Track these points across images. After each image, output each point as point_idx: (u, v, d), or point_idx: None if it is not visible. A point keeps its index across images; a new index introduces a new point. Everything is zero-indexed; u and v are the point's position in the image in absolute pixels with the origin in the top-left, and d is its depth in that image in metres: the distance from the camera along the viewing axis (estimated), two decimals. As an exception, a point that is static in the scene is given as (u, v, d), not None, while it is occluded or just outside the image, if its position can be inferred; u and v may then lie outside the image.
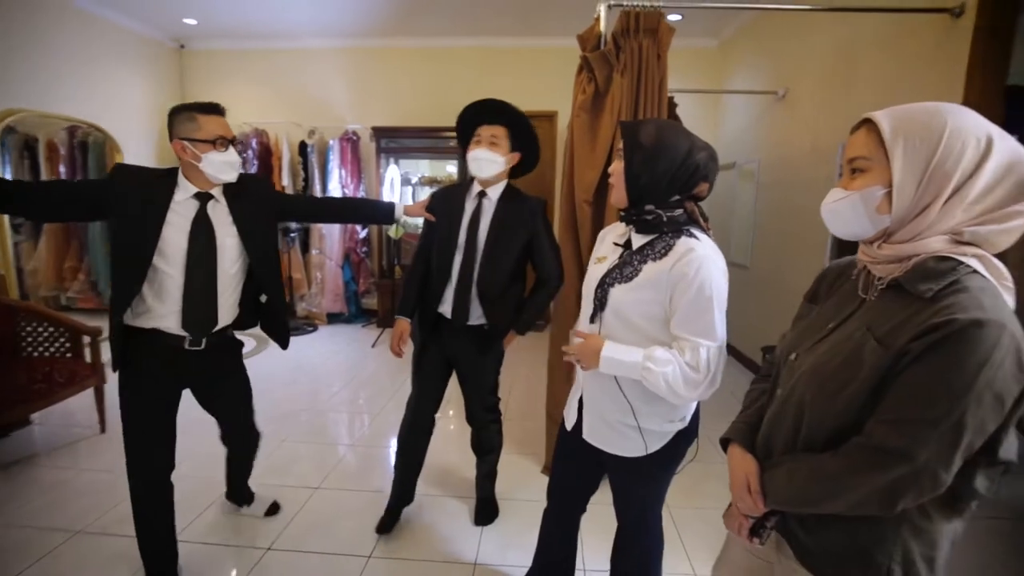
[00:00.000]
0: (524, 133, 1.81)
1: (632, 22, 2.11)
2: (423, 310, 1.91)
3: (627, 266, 1.16)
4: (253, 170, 5.01)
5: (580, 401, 1.31)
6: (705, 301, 1.07)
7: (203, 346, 1.61)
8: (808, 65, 3.38)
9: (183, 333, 1.56)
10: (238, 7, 4.42)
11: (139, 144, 4.89)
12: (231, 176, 1.55)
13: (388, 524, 2.02)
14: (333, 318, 5.35)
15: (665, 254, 1.12)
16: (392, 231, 5.11)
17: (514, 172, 1.88)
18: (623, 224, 1.25)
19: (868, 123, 0.77)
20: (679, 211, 1.14)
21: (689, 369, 1.07)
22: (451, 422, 3.01)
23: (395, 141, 5.19)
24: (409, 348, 1.95)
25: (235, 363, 1.80)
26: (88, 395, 2.72)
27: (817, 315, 0.93)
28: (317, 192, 5.09)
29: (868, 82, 2.77)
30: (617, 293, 1.16)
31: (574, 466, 1.42)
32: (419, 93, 5.19)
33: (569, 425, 1.36)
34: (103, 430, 2.76)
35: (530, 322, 1.91)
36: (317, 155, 5.11)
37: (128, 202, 1.47)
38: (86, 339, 2.72)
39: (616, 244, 1.24)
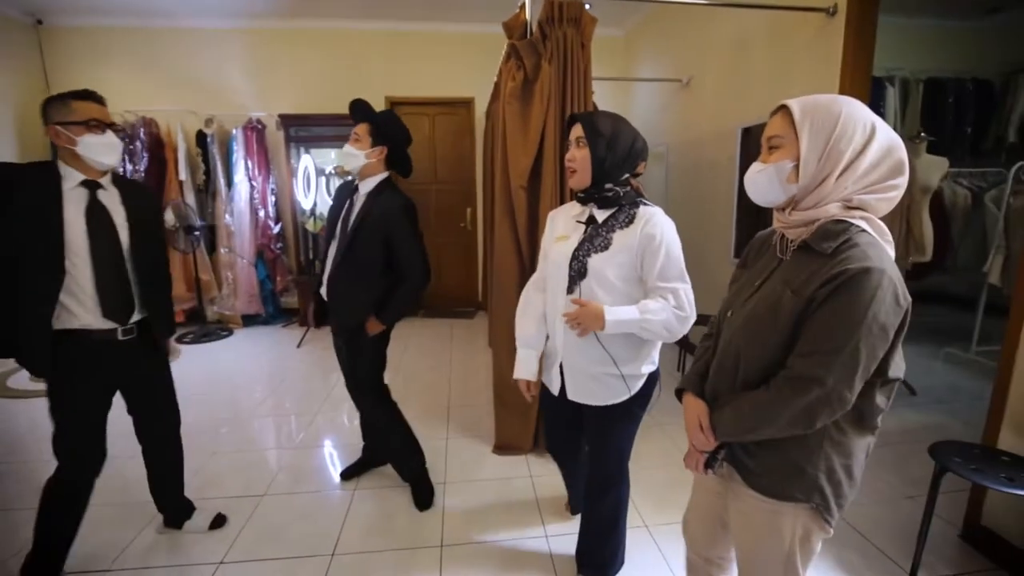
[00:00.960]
0: (384, 128, 1.98)
1: (556, 11, 2.18)
2: (317, 291, 2.07)
3: (597, 238, 1.36)
4: (143, 163, 4.53)
5: (560, 368, 1.46)
6: (674, 254, 1.31)
7: (136, 334, 1.62)
8: (709, 55, 3.68)
9: (110, 324, 1.55)
10: (111, -21, 3.93)
11: (-5, 136, 4.22)
12: (112, 159, 1.54)
13: (351, 472, 2.32)
14: (249, 320, 5.01)
15: (630, 222, 1.34)
16: (310, 224, 4.88)
17: (400, 171, 2.08)
18: (577, 204, 1.45)
19: (783, 108, 0.93)
20: (628, 187, 1.37)
21: (678, 310, 1.28)
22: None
23: (305, 129, 4.92)
24: None
25: (162, 356, 1.80)
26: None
27: (745, 277, 1.09)
28: (221, 186, 4.71)
29: (761, 72, 3.08)
30: (595, 262, 1.34)
31: (564, 424, 1.65)
32: (329, 79, 4.94)
33: (555, 390, 1.50)
34: (-7, 464, 2.42)
35: (394, 313, 1.98)
36: (219, 146, 4.71)
37: (14, 199, 1.42)
38: None
39: (579, 222, 1.41)
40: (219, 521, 2.00)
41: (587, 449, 1.61)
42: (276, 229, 4.93)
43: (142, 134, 4.51)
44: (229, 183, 4.75)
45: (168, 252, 1.84)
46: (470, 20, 4.86)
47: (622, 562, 1.73)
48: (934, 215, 3.16)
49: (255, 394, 3.42)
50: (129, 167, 4.51)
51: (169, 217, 4.41)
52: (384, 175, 1.99)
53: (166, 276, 1.80)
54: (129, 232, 1.58)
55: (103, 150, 1.50)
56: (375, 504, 2.16)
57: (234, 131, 4.70)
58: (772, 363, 0.94)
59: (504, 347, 2.47)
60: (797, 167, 0.90)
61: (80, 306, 1.50)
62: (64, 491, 1.62)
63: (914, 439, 2.56)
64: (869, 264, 0.83)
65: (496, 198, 2.49)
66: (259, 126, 4.78)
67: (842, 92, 2.40)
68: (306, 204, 4.90)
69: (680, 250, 1.34)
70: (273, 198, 4.90)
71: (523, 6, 2.27)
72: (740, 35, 3.27)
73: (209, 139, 4.67)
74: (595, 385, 1.41)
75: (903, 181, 0.90)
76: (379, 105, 5.00)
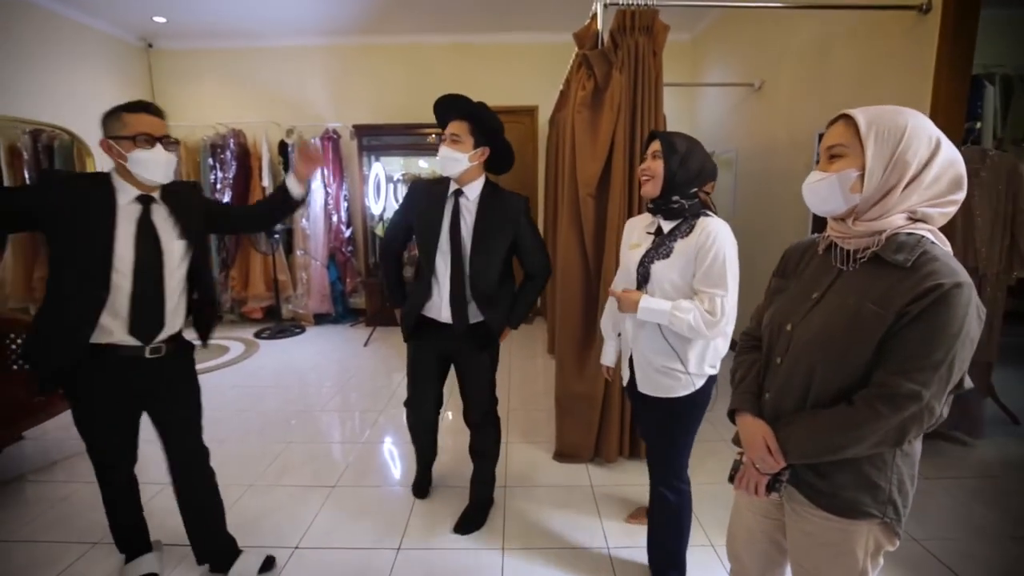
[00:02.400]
0: (489, 127, 1.78)
1: (628, 20, 2.18)
2: (408, 311, 1.91)
3: (661, 247, 1.48)
4: (232, 172, 4.91)
5: (631, 361, 1.59)
6: (719, 261, 1.38)
7: (163, 353, 1.56)
8: (784, 58, 3.54)
9: (135, 342, 1.50)
10: (210, 5, 4.30)
11: (109, 147, 4.71)
12: (160, 176, 1.47)
13: (423, 487, 2.25)
14: (320, 319, 5.30)
15: (690, 232, 1.45)
16: (379, 229, 5.10)
17: (495, 168, 1.87)
18: (648, 215, 1.57)
19: (845, 118, 0.93)
20: (695, 200, 1.47)
21: (707, 314, 1.36)
22: (459, 417, 3.06)
23: (377, 139, 5.15)
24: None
25: (190, 371, 1.71)
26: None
27: (797, 288, 1.06)
28: (299, 192, 5.01)
29: (841, 75, 2.93)
30: (657, 268, 1.47)
31: (641, 411, 1.71)
32: (400, 90, 5.17)
33: (625, 382, 1.65)
34: (102, 442, 2.69)
35: (522, 315, 1.94)
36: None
37: (70, 209, 1.40)
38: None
39: (648, 232, 1.55)
40: (268, 564, 1.81)
41: (647, 445, 1.71)
42: (347, 233, 5.19)
43: (231, 144, 4.90)
44: (307, 189, 5.04)
45: (210, 262, 1.85)
46: (533, 29, 4.94)
47: (683, 569, 1.72)
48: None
49: (324, 389, 3.61)
50: (219, 174, 4.92)
51: (253, 221, 4.75)
52: (483, 176, 1.84)
53: (210, 287, 1.77)
54: (176, 249, 1.55)
55: (151, 166, 1.45)
56: (438, 504, 2.22)
57: (312, 141, 5.00)
58: (851, 379, 0.91)
59: (568, 355, 2.48)
60: (861, 177, 0.89)
61: (114, 322, 1.47)
62: (113, 497, 1.70)
63: (1019, 472, 2.33)
64: (960, 279, 0.83)
65: (563, 207, 2.51)
66: (335, 136, 5.06)
67: (937, 94, 2.25)
68: (376, 209, 5.12)
69: (731, 261, 1.39)
70: (345, 204, 5.17)
71: (594, 16, 2.28)
72: (819, 37, 3.12)
73: (290, 148, 5.00)
74: (660, 377, 1.50)
75: (962, 196, 0.90)
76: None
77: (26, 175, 4.64)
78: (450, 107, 1.78)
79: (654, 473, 1.66)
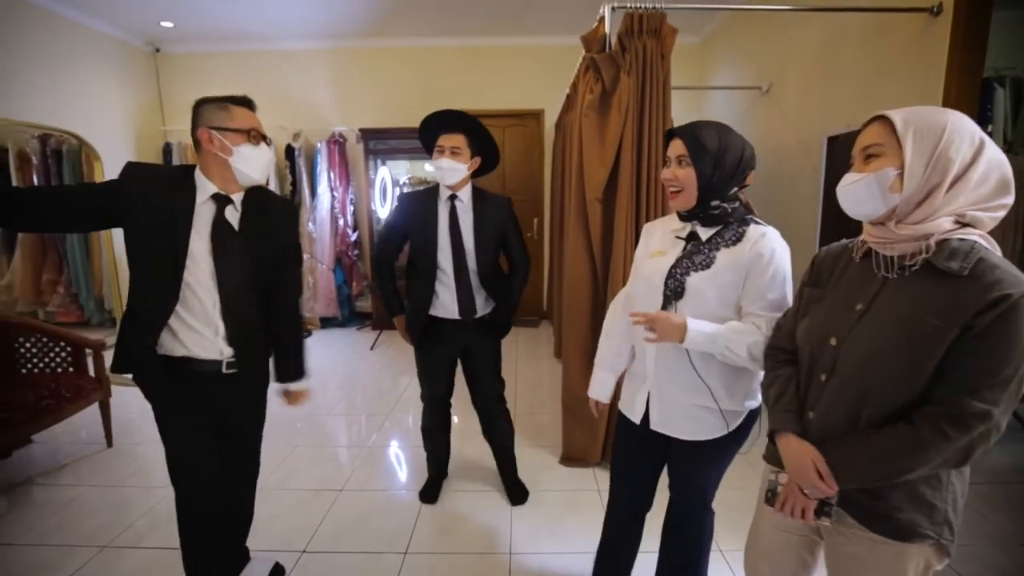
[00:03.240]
0: (482, 139, 1.94)
1: (636, 23, 2.17)
2: (413, 316, 2.02)
3: (698, 255, 1.22)
4: (238, 175, 4.92)
5: (648, 395, 1.32)
6: (780, 280, 1.17)
7: (238, 368, 1.45)
8: (792, 61, 3.52)
9: (218, 356, 1.40)
10: (216, 10, 4.33)
11: (117, 150, 4.74)
12: (261, 177, 1.40)
13: (432, 494, 2.24)
14: (327, 322, 5.31)
15: (738, 240, 1.20)
16: (384, 233, 5.09)
17: (479, 173, 2.03)
18: (674, 219, 1.32)
19: (880, 119, 0.89)
20: (737, 203, 1.23)
21: (768, 341, 1.12)
22: (464, 420, 3.05)
23: (383, 142, 5.16)
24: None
25: (262, 397, 1.63)
26: (92, 410, 2.67)
27: (835, 298, 0.98)
28: (306, 196, 5.03)
29: (849, 78, 2.91)
30: (694, 281, 1.20)
31: (638, 455, 1.45)
32: (405, 93, 5.18)
33: (636, 419, 1.36)
34: (110, 444, 2.70)
35: (517, 303, 2.15)
36: (304, 158, 5.05)
37: (149, 205, 1.30)
38: (88, 352, 2.67)
39: (679, 237, 1.28)
40: (277, 572, 1.80)
41: (669, 483, 1.45)
42: (354, 237, 5.20)
43: (238, 148, 4.92)
44: (313, 193, 5.07)
45: (300, 272, 1.67)
46: (540, 33, 4.94)
47: None
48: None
49: (330, 393, 3.61)
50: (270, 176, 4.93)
51: (259, 225, 4.77)
52: (471, 182, 2.01)
53: (294, 308, 1.64)
54: (251, 253, 1.42)
55: (257, 166, 1.37)
56: (445, 508, 2.21)
57: (319, 144, 5.02)
58: (910, 397, 0.86)
59: (575, 360, 2.47)
60: (901, 176, 0.85)
61: (193, 330, 1.37)
62: (191, 522, 1.52)
63: (1032, 479, 2.30)
64: None
65: (570, 211, 2.50)
66: (341, 139, 5.08)
67: (948, 96, 2.23)
68: (382, 213, 5.14)
69: (789, 279, 1.19)
70: (352, 207, 5.18)
71: (602, 19, 2.28)
72: (827, 39, 3.11)
73: (296, 152, 5.01)
74: (686, 417, 1.27)
75: (1010, 200, 0.85)
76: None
77: (35, 179, 4.68)
78: (448, 121, 1.89)
79: (672, 509, 1.45)
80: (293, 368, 1.64)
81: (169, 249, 1.32)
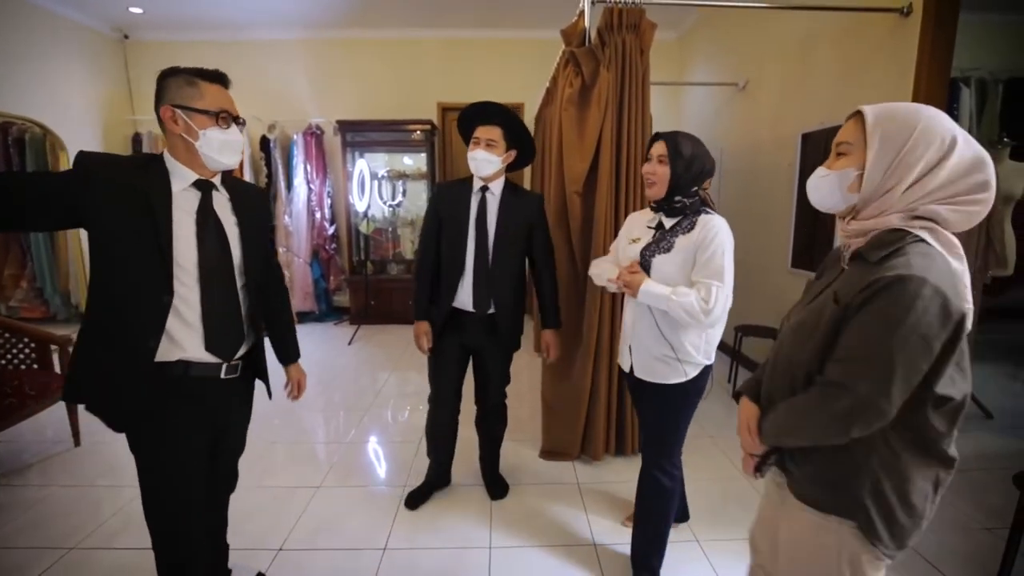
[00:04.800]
0: (519, 132, 1.93)
1: (615, 18, 2.18)
2: (438, 307, 1.99)
3: (663, 241, 1.54)
4: (212, 167, 4.80)
5: (629, 349, 1.65)
6: (719, 255, 1.44)
7: (238, 373, 1.32)
8: (767, 58, 3.57)
9: (212, 359, 1.25)
10: (189, -5, 4.21)
11: (84, 140, 4.57)
12: (233, 161, 1.25)
13: (417, 500, 2.17)
14: (304, 317, 5.23)
15: (692, 228, 1.51)
16: (363, 226, 5.04)
17: (513, 167, 2.00)
18: (649, 212, 1.64)
19: (859, 114, 0.90)
20: (696, 198, 1.54)
21: (702, 301, 1.42)
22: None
23: (361, 135, 5.09)
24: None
25: (249, 406, 1.53)
26: (59, 408, 2.58)
27: (815, 288, 1.06)
28: (282, 189, 4.94)
29: (824, 75, 2.97)
30: (658, 261, 1.53)
31: (636, 400, 1.77)
32: (384, 86, 5.11)
33: (626, 368, 1.69)
34: (77, 443, 2.62)
35: (558, 309, 2.10)
36: (280, 150, 4.95)
37: (118, 195, 1.14)
38: (54, 348, 2.58)
39: (649, 227, 1.61)
40: None
41: (642, 429, 1.75)
42: (331, 230, 5.13)
43: (212, 139, 4.79)
44: (289, 186, 4.97)
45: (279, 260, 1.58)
46: (521, 27, 4.92)
47: (663, 555, 1.74)
48: (1017, 226, 2.95)
49: (308, 389, 3.53)
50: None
51: (234, 218, 4.66)
52: (504, 176, 1.98)
53: (285, 291, 1.58)
54: (242, 245, 1.31)
55: (226, 150, 1.22)
56: (424, 504, 2.20)
57: (295, 136, 4.92)
58: (814, 371, 0.93)
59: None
60: (861, 176, 0.88)
61: (185, 332, 1.21)
62: (177, 561, 1.32)
63: (992, 465, 2.39)
64: (906, 272, 0.79)
65: (549, 204, 2.49)
66: (318, 131, 4.99)
67: (916, 95, 2.29)
68: (360, 207, 5.07)
69: (728, 256, 1.46)
70: (329, 200, 5.10)
71: (582, 13, 2.28)
72: (802, 37, 3.16)
73: (272, 144, 4.91)
74: (656, 364, 1.57)
75: (986, 197, 0.84)
76: (431, 111, 5.15)
77: (-5, 169, 4.50)
78: (486, 113, 1.88)
79: (648, 456, 1.69)
80: (293, 348, 1.63)
81: (153, 240, 1.15)
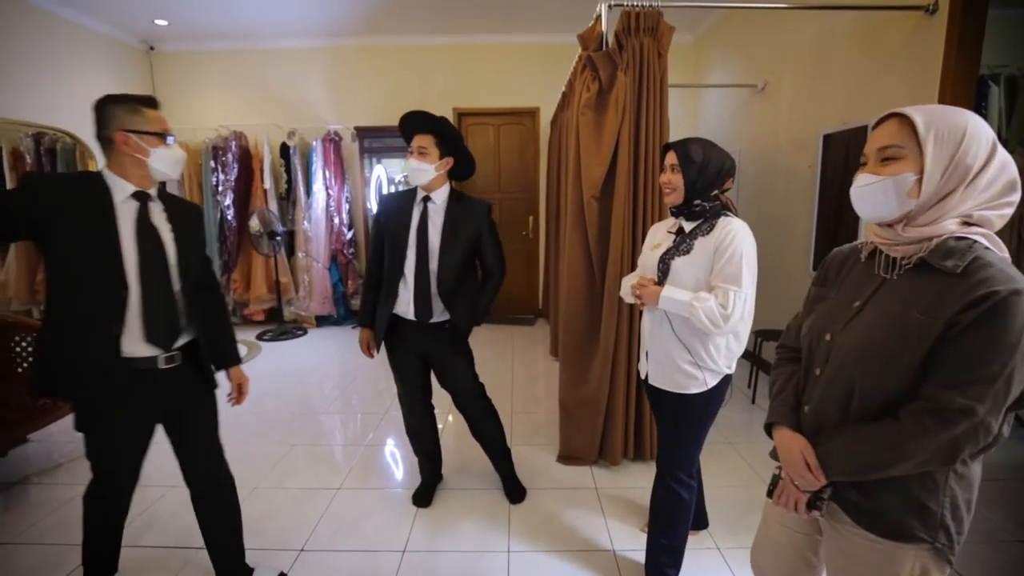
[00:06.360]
0: (450, 139, 1.93)
1: (633, 21, 2.18)
2: (380, 313, 2.02)
3: (683, 245, 1.54)
4: (233, 174, 4.91)
5: (647, 355, 1.64)
6: (736, 259, 1.42)
7: (178, 362, 1.47)
8: (787, 59, 3.53)
9: (153, 352, 1.41)
10: (211, 8, 4.31)
11: (111, 149, 4.71)
12: (176, 173, 1.45)
13: (425, 498, 2.22)
14: (322, 320, 5.29)
15: (710, 231, 1.50)
16: (380, 231, 5.08)
17: (458, 176, 2.03)
18: (671, 219, 1.64)
19: (898, 117, 0.87)
20: (716, 202, 1.53)
21: (720, 307, 1.40)
22: (459, 419, 3.05)
23: (378, 140, 5.15)
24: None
25: (209, 386, 1.62)
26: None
27: (837, 296, 1.01)
28: (301, 194, 5.02)
29: (845, 76, 2.93)
30: (678, 264, 1.52)
31: (656, 404, 1.74)
32: (401, 92, 5.16)
33: (643, 375, 1.69)
34: (106, 445, 2.69)
35: (485, 311, 2.08)
36: (300, 156, 5.03)
37: (66, 212, 1.29)
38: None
39: (670, 232, 1.62)
40: None
41: (659, 439, 1.71)
42: (349, 235, 5.19)
43: (233, 147, 4.89)
44: (308, 191, 5.05)
45: (214, 269, 1.70)
46: (535, 31, 4.94)
47: (679, 566, 1.72)
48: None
49: (326, 391, 3.60)
50: (221, 176, 4.92)
51: (254, 223, 4.76)
52: (448, 184, 2.00)
53: (220, 297, 1.69)
54: (177, 247, 1.46)
55: (172, 163, 1.42)
56: (442, 506, 2.22)
57: (314, 143, 5.00)
58: (897, 392, 0.86)
59: (571, 358, 2.48)
60: (919, 181, 0.84)
61: (127, 328, 1.37)
62: (102, 514, 1.57)
63: (1024, 475, 2.32)
64: (1018, 286, 0.77)
65: (566, 209, 2.50)
66: (336, 138, 5.06)
67: (943, 95, 2.25)
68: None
69: (747, 259, 1.43)
70: (347, 206, 5.17)
71: (599, 17, 2.28)
72: (822, 37, 3.12)
73: (292, 150, 4.99)
74: (675, 373, 1.55)
75: (1017, 197, 0.85)
76: (446, 117, 5.19)
77: (28, 177, 4.65)
78: (415, 123, 1.91)
79: (663, 466, 1.66)
80: (231, 350, 1.69)
81: (105, 246, 1.33)
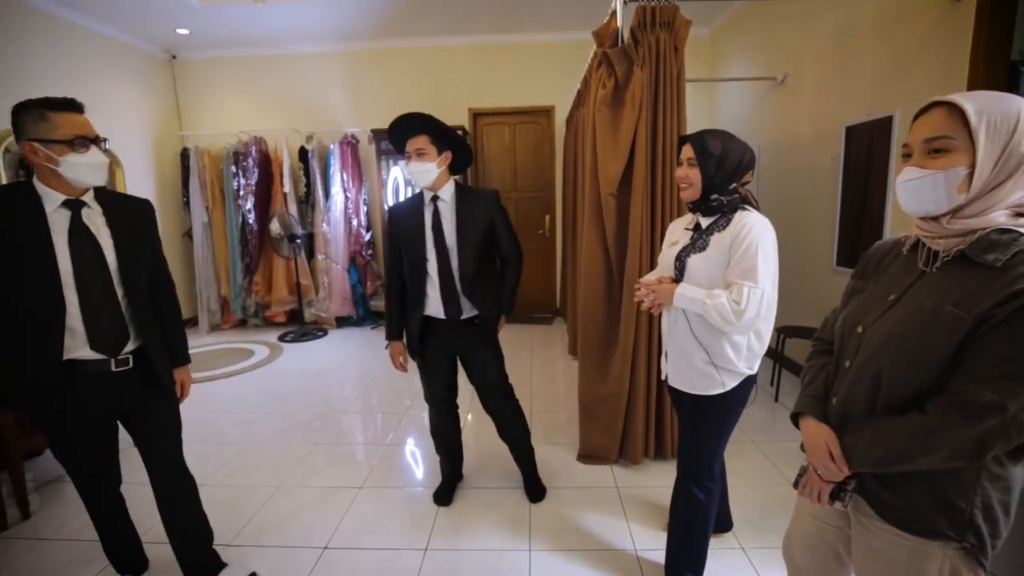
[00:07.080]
0: (444, 134, 1.92)
1: (649, 16, 2.16)
2: (409, 320, 2.04)
3: (699, 241, 1.49)
4: (254, 179, 5.00)
5: (666, 354, 1.61)
6: (751, 253, 1.36)
7: (131, 365, 1.47)
8: (807, 50, 3.46)
9: (99, 356, 1.41)
10: (230, 16, 4.38)
11: (138, 157, 4.84)
12: (98, 180, 1.38)
13: (445, 496, 2.24)
14: (342, 321, 5.36)
15: (727, 226, 1.45)
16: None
17: (458, 168, 2.02)
18: (689, 215, 1.59)
19: (946, 105, 0.82)
20: (735, 196, 1.48)
21: (734, 303, 1.34)
22: (479, 418, 3.06)
23: (395, 142, 5.18)
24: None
25: (167, 389, 1.61)
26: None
27: (874, 289, 0.98)
28: (320, 197, 5.09)
29: (868, 66, 2.86)
30: (693, 261, 1.47)
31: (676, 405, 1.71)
32: (416, 94, 5.20)
33: (664, 376, 1.65)
34: (136, 444, 2.76)
35: (511, 302, 2.10)
36: (318, 160, 5.10)
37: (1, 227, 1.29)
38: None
39: (687, 229, 1.57)
40: None
41: (679, 440, 1.67)
42: (367, 237, 5.24)
43: (254, 152, 4.98)
44: (326, 194, 5.12)
45: (168, 268, 1.68)
46: (548, 29, 4.93)
47: (702, 571, 1.68)
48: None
49: (347, 391, 3.65)
50: (242, 181, 5.01)
51: (275, 226, 4.84)
52: (452, 180, 1.99)
53: (171, 297, 1.66)
54: (117, 253, 1.43)
55: (88, 171, 1.34)
56: (464, 505, 2.23)
57: (332, 146, 5.07)
58: (925, 386, 0.84)
59: (591, 357, 2.47)
60: (970, 174, 0.79)
61: (70, 336, 1.37)
62: (99, 511, 1.63)
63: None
64: None
65: (583, 207, 2.49)
66: (353, 141, 5.12)
67: (973, 83, 2.18)
68: (394, 213, 5.17)
69: (764, 254, 1.36)
70: (365, 208, 5.23)
71: (614, 13, 2.26)
72: (844, 27, 3.05)
73: (310, 154, 5.06)
74: (692, 374, 1.51)
75: None
76: (462, 117, 5.21)
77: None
78: (404, 128, 1.89)
79: (683, 469, 1.63)
80: (180, 349, 1.68)
81: (42, 258, 1.32)
